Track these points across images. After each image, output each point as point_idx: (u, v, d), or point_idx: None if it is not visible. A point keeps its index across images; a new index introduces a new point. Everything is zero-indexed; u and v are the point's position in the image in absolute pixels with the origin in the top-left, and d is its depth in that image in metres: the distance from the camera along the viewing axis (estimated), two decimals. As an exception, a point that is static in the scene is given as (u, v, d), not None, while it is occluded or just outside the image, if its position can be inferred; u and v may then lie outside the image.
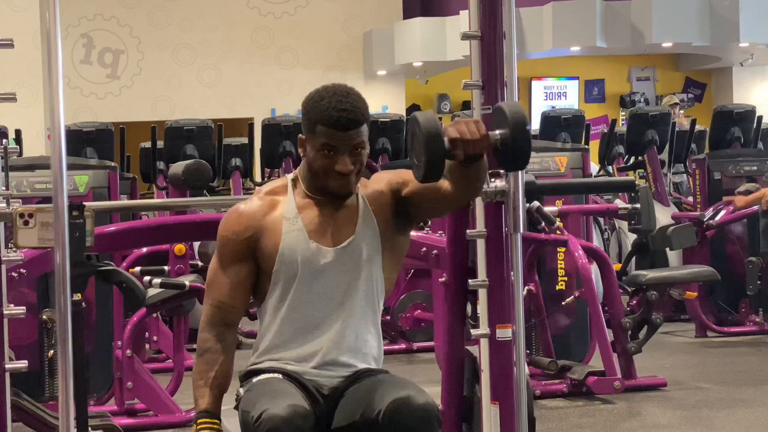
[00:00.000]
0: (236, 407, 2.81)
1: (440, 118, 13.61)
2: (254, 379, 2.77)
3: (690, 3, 12.93)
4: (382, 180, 2.93)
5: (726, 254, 7.56)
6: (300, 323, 2.80)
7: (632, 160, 9.54)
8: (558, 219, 5.91)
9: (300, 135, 2.85)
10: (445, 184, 2.74)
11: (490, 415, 3.03)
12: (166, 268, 5.67)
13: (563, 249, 6.06)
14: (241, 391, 2.79)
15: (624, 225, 7.94)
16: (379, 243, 2.85)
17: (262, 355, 2.84)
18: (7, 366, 3.08)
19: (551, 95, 15.81)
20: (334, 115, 2.75)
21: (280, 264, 2.79)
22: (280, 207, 2.84)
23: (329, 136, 2.75)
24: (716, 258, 7.52)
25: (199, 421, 2.72)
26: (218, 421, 2.74)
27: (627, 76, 16.08)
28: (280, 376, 2.76)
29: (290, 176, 2.91)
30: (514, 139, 2.56)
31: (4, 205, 3.01)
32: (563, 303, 6.01)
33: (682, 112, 13.79)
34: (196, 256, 6.19)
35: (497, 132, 2.59)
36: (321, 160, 2.78)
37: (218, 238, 2.86)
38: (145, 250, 6.03)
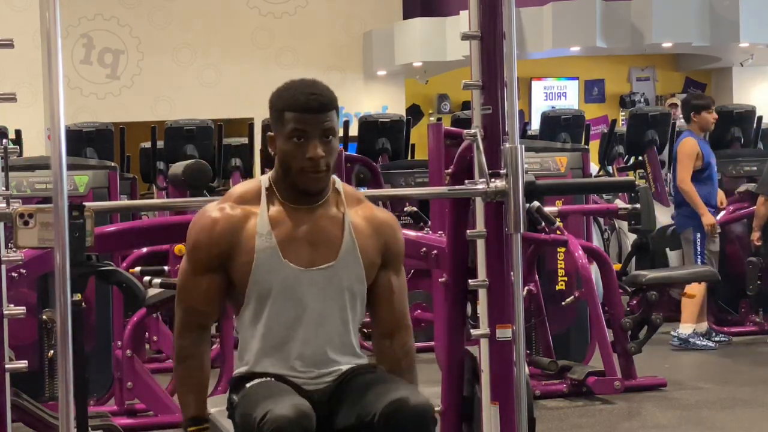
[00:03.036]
0: (230, 415, 2.78)
1: (440, 119, 13.63)
2: (247, 384, 2.73)
3: (690, 3, 12.92)
4: (376, 226, 2.83)
5: (726, 254, 7.56)
6: (276, 342, 2.75)
7: (632, 160, 9.54)
8: (558, 219, 5.91)
9: (269, 133, 2.79)
10: (384, 322, 2.84)
11: (490, 415, 3.03)
12: (166, 268, 5.67)
13: (563, 249, 6.06)
14: (236, 397, 2.74)
15: (624, 225, 7.95)
16: (362, 272, 2.78)
17: (246, 366, 2.81)
18: (7, 366, 3.08)
19: (551, 95, 15.79)
20: (303, 99, 2.70)
21: (252, 285, 2.73)
22: (252, 219, 2.74)
23: (298, 120, 2.69)
24: (716, 258, 7.52)
25: (189, 429, 2.74)
26: (207, 425, 2.77)
27: (627, 76, 16.06)
28: (273, 379, 2.73)
29: (264, 182, 2.80)
30: None
31: (4, 205, 3.01)
32: (563, 303, 6.01)
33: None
34: (196, 256, 6.17)
35: None
36: (292, 149, 2.70)
37: (189, 242, 2.77)
38: (145, 250, 6.03)
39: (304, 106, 2.70)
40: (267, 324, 2.75)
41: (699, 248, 7.24)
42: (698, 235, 7.25)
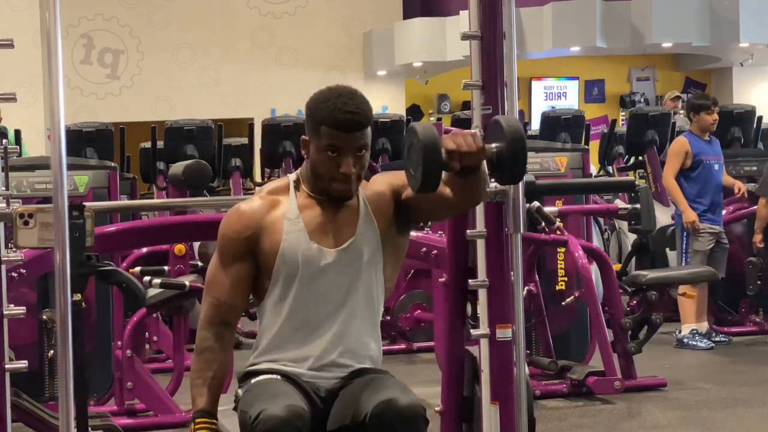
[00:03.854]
0: (235, 408, 2.81)
1: (440, 119, 13.62)
2: (252, 380, 2.78)
3: (690, 3, 12.93)
4: (382, 181, 2.93)
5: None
6: (299, 323, 2.80)
7: (632, 160, 9.54)
8: (558, 219, 5.91)
9: (303, 136, 2.85)
10: (446, 190, 2.73)
11: (490, 415, 3.03)
12: (166, 268, 5.67)
13: (563, 249, 6.06)
14: (240, 392, 2.80)
15: (624, 225, 7.94)
16: (379, 244, 2.85)
17: (261, 355, 2.84)
18: (7, 366, 3.08)
19: (551, 95, 15.80)
20: (340, 116, 2.74)
21: (280, 263, 2.79)
22: (281, 206, 2.84)
23: (334, 137, 2.75)
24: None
25: (197, 420, 2.74)
26: (215, 421, 2.76)
27: (627, 76, 16.07)
28: (278, 377, 2.76)
29: (292, 177, 2.90)
30: (511, 153, 2.58)
31: (4, 205, 3.01)
32: (563, 303, 6.01)
33: (682, 112, 13.81)
34: (196, 256, 6.19)
35: (494, 145, 2.60)
36: (325, 161, 2.77)
37: (219, 237, 2.85)
38: (145, 250, 6.03)
39: (341, 124, 2.75)
40: (293, 305, 2.80)
41: (684, 246, 7.25)
42: (684, 234, 7.25)
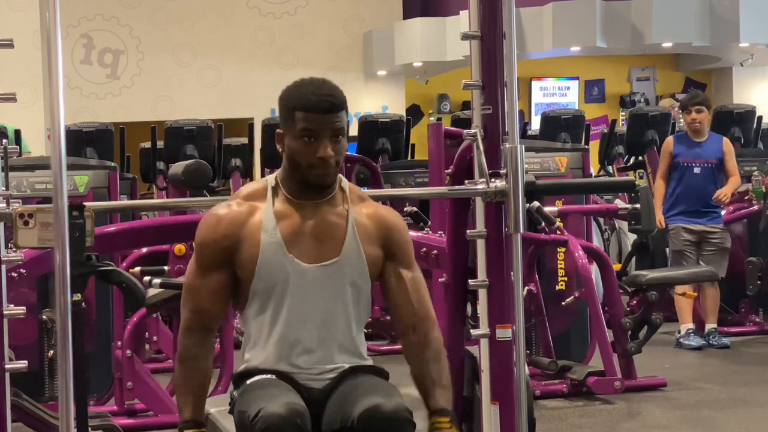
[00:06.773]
0: (231, 411, 2.79)
1: (440, 119, 13.61)
2: (248, 381, 2.75)
3: (690, 3, 12.92)
4: (379, 221, 2.85)
5: (726, 254, 7.55)
6: (280, 338, 2.76)
7: (632, 160, 9.54)
8: (558, 219, 5.91)
9: (278, 130, 2.81)
10: (400, 310, 2.84)
11: (490, 415, 3.03)
12: (166, 268, 5.67)
13: (563, 249, 6.06)
14: (236, 393, 2.77)
15: (624, 225, 7.94)
16: (365, 268, 2.79)
17: (248, 362, 2.82)
18: (7, 366, 3.08)
19: (551, 95, 15.79)
20: (313, 99, 2.72)
21: (257, 280, 2.74)
22: (258, 214, 2.77)
23: (309, 120, 2.71)
24: (716, 258, 7.51)
25: (185, 430, 2.74)
26: (203, 429, 2.77)
27: (627, 76, 16.06)
28: (274, 376, 2.74)
29: (270, 180, 2.84)
30: None
31: (4, 205, 3.01)
32: (563, 303, 6.01)
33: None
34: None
35: None
36: (302, 148, 2.73)
37: (196, 243, 2.80)
38: (145, 250, 6.02)
39: (315, 106, 2.72)
40: (271, 320, 2.76)
41: (670, 247, 7.30)
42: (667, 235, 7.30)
